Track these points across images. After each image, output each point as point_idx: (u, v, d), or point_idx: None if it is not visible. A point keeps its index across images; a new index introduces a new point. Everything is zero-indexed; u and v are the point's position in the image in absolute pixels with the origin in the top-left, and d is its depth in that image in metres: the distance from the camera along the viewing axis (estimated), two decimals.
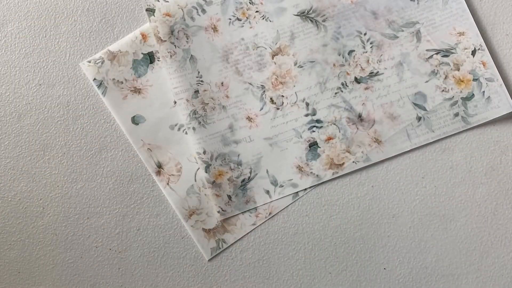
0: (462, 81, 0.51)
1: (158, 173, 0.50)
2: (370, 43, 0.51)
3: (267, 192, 0.50)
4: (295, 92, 0.51)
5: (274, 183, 0.51)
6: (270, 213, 0.51)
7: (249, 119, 0.51)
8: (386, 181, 0.51)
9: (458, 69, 0.51)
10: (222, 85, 0.51)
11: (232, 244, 0.50)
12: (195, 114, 0.50)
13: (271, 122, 0.51)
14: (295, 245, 0.50)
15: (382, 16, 0.52)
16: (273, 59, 0.51)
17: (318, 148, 0.51)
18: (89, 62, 0.51)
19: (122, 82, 0.51)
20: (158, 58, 0.51)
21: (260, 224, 0.50)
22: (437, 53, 0.51)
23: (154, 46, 0.51)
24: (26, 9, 0.52)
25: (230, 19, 0.52)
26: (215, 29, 0.51)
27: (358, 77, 0.51)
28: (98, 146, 0.51)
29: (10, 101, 0.51)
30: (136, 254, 0.50)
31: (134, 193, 0.51)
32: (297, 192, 0.51)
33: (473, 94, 0.51)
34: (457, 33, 0.51)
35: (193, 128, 0.50)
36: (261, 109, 0.51)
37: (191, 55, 0.51)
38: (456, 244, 0.50)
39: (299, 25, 0.52)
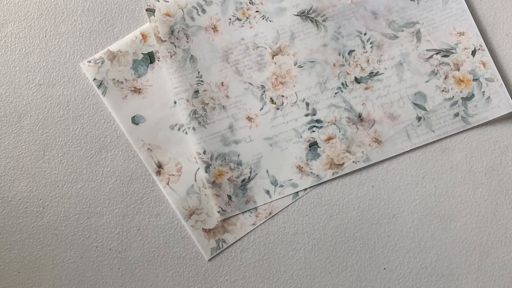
0: (462, 81, 0.51)
1: (158, 173, 0.50)
2: (370, 43, 0.51)
3: (267, 192, 0.50)
4: (295, 92, 0.51)
5: (274, 183, 0.51)
6: (270, 213, 0.51)
7: (249, 119, 0.51)
8: (386, 181, 0.51)
9: (458, 69, 0.51)
10: (222, 85, 0.51)
11: (232, 244, 0.50)
12: (195, 114, 0.50)
13: (271, 122, 0.51)
14: (295, 245, 0.50)
15: (382, 16, 0.52)
16: (273, 59, 0.51)
17: (318, 148, 0.51)
18: (89, 62, 0.51)
19: (122, 82, 0.51)
20: (158, 58, 0.51)
21: (260, 224, 0.50)
22: (437, 53, 0.51)
23: (154, 46, 0.51)
24: (26, 9, 0.52)
25: (230, 19, 0.52)
26: (215, 29, 0.51)
27: (358, 77, 0.51)
28: (98, 146, 0.51)
29: (10, 101, 0.51)
30: (136, 254, 0.50)
31: (134, 193, 0.51)
32: (297, 192, 0.51)
33: (473, 94, 0.51)
34: (457, 33, 0.51)
35: (193, 128, 0.50)
36: (261, 109, 0.51)
37: (191, 55, 0.51)
38: (456, 244, 0.50)
39: (299, 25, 0.51)
